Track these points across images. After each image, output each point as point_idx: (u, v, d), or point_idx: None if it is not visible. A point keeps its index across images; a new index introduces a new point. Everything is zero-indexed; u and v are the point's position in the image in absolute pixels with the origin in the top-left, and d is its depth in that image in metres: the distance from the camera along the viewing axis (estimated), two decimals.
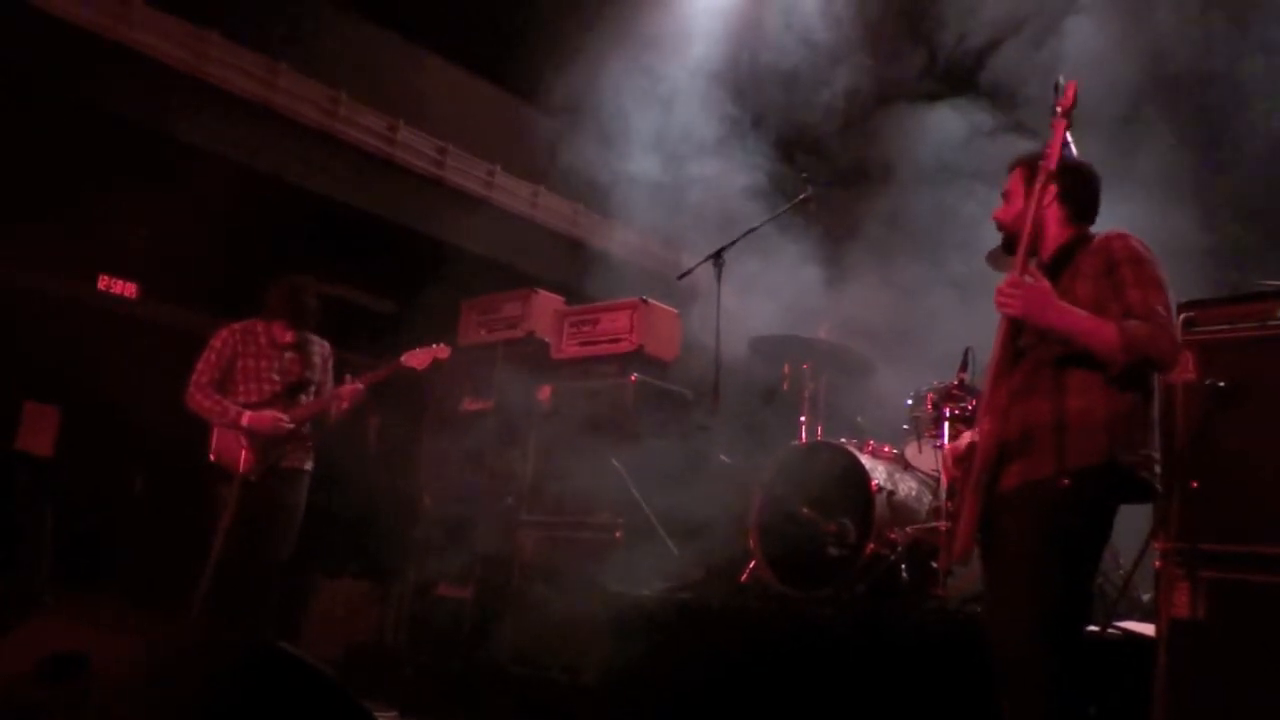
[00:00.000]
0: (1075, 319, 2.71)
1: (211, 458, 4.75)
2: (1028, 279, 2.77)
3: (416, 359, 5.06)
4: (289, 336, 4.90)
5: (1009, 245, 3.08)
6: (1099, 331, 2.68)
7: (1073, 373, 2.75)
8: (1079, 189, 2.97)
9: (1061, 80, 3.30)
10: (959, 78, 6.07)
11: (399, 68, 6.97)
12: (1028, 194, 2.97)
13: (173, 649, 1.94)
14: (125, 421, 5.67)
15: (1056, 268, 2.91)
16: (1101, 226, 3.03)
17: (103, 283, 6.37)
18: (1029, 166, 3.03)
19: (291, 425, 4.79)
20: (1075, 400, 2.74)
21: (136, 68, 5.73)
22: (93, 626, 2.00)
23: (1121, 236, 2.88)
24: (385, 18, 6.76)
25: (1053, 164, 2.82)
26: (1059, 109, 2.85)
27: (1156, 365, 2.79)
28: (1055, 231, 2.98)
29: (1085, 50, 5.40)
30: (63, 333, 5.63)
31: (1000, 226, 3.10)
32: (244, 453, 4.68)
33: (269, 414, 4.74)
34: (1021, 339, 2.84)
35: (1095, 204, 3.03)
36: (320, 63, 6.49)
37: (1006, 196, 3.09)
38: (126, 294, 6.47)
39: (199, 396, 4.74)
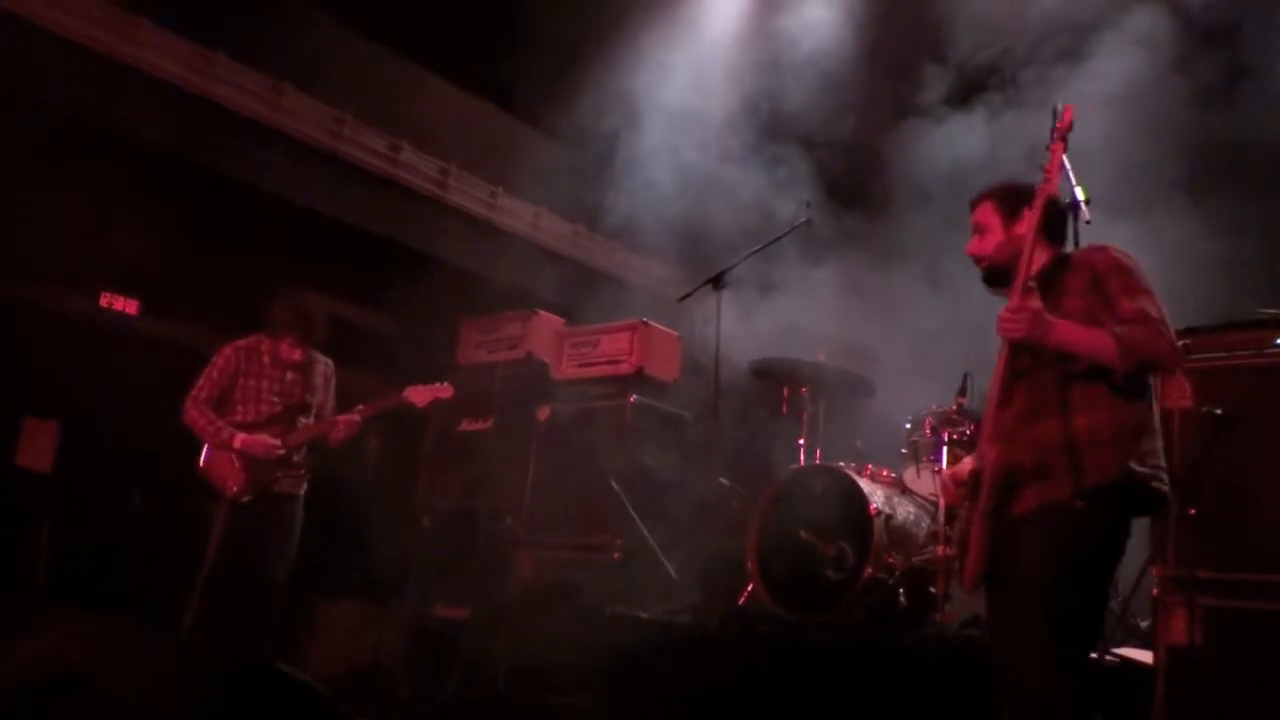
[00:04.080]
0: (1074, 333, 2.75)
1: (200, 466, 4.73)
2: (1031, 298, 2.80)
3: (419, 395, 5.01)
4: (297, 354, 4.87)
5: (991, 278, 3.10)
6: (1098, 341, 2.72)
7: (1075, 390, 2.77)
8: (1052, 213, 2.99)
9: (1059, 105, 3.33)
10: (964, 96, 6.08)
11: (402, 89, 7.01)
12: (1006, 224, 3.03)
13: (171, 667, 1.94)
14: (125, 438, 5.66)
15: (1043, 289, 2.91)
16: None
17: (104, 299, 6.37)
18: (1002, 198, 3.07)
19: (284, 451, 4.77)
20: (1081, 418, 2.75)
21: (143, 87, 5.76)
22: (91, 644, 2.00)
23: (1102, 249, 2.91)
24: (389, 39, 6.80)
25: (1053, 188, 2.85)
26: (1056, 130, 2.88)
27: (1157, 367, 2.84)
28: (1035, 256, 2.95)
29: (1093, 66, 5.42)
30: (64, 349, 5.61)
31: (979, 261, 3.11)
32: (235, 473, 4.67)
33: (262, 439, 4.71)
34: (1019, 362, 2.85)
35: (1065, 227, 3.09)
36: (325, 83, 6.52)
37: (980, 230, 3.10)
38: (128, 311, 6.48)
39: (194, 413, 4.73)
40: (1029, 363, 2.83)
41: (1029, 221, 2.90)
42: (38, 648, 2.00)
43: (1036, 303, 2.78)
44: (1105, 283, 2.81)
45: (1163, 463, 2.82)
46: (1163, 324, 2.76)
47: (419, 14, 6.44)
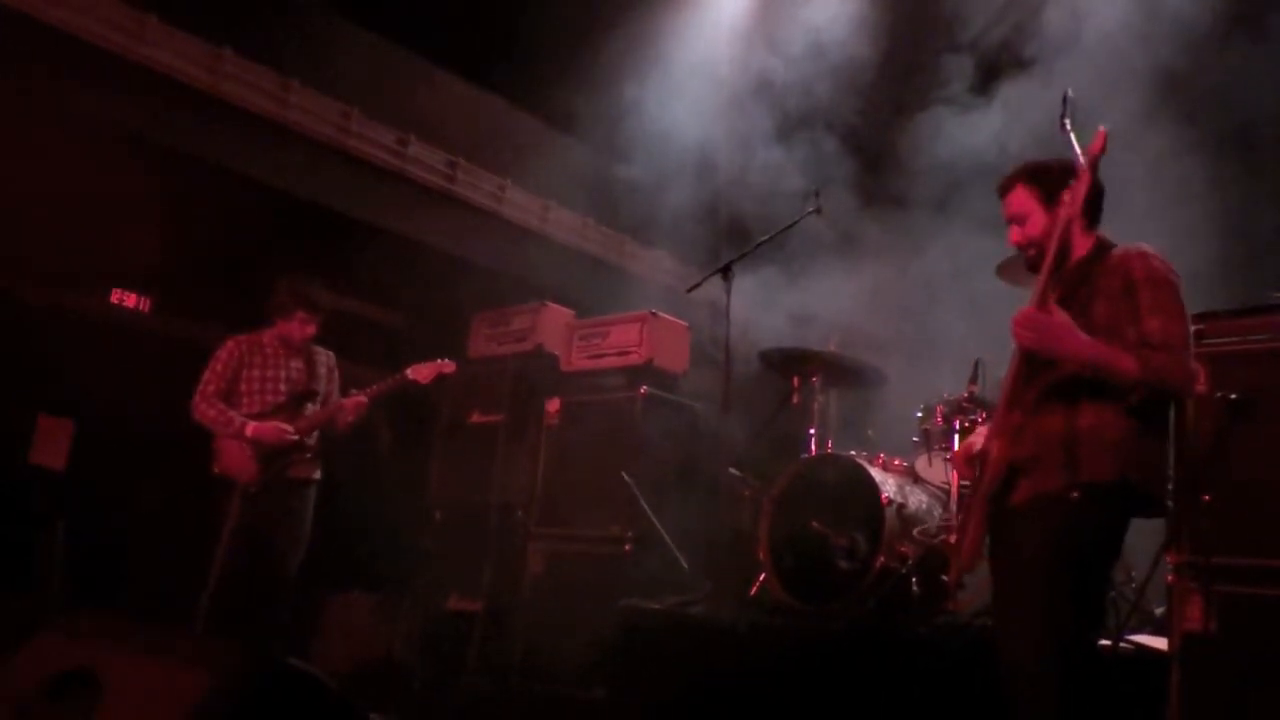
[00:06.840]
0: (1093, 350, 2.68)
1: (216, 470, 4.77)
2: (1049, 311, 2.73)
3: (421, 373, 5.10)
4: (310, 328, 4.92)
5: (1035, 264, 2.99)
6: (1117, 362, 2.66)
7: (1085, 391, 2.74)
8: (1093, 194, 2.89)
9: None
10: (981, 81, 6.01)
11: (410, 82, 7.00)
12: (1047, 207, 2.91)
13: (182, 664, 1.94)
14: (139, 435, 5.69)
15: (1076, 282, 2.88)
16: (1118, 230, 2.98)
17: (115, 296, 6.39)
18: (1036, 180, 2.95)
19: (296, 436, 4.81)
20: (1087, 418, 2.73)
21: (150, 84, 5.77)
22: (102, 642, 2.01)
23: (1142, 255, 2.82)
24: (396, 33, 6.79)
25: (1077, 209, 2.77)
26: (1087, 156, 2.75)
27: (1172, 394, 2.80)
28: (1078, 243, 2.93)
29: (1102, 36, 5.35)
30: (76, 346, 5.64)
31: (1026, 248, 2.99)
32: (248, 463, 4.70)
33: (273, 425, 4.76)
34: (1034, 364, 2.82)
35: (1102, 203, 2.99)
36: (332, 78, 6.52)
37: (1018, 219, 2.99)
38: (140, 308, 6.50)
39: (204, 407, 4.77)
40: (1046, 360, 2.79)
41: (1067, 211, 2.78)
42: (47, 646, 2.01)
43: (1061, 315, 2.69)
44: (1137, 292, 2.74)
45: (1168, 469, 2.82)
46: (1186, 350, 2.73)
47: (425, 8, 6.43)
